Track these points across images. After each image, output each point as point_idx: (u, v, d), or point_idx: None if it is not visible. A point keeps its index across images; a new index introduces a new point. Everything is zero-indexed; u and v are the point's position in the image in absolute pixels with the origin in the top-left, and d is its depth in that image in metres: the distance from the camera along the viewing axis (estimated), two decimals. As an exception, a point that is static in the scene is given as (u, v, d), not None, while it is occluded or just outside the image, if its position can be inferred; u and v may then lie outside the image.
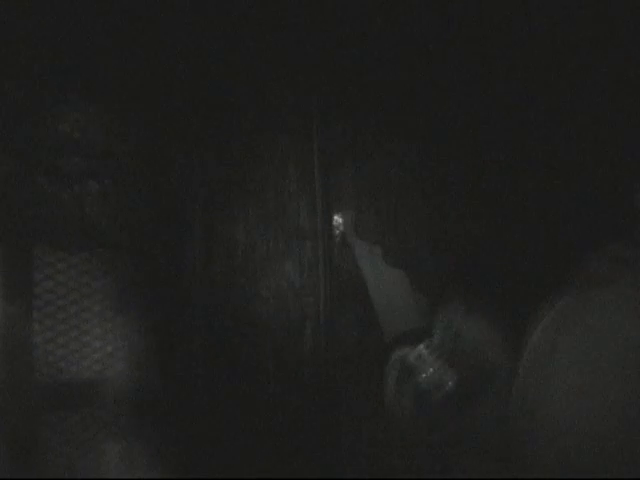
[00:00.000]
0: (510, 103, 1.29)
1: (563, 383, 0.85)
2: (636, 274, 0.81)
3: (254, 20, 1.25)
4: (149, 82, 1.18)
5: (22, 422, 1.06)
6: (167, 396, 1.15)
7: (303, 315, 1.25)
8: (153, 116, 1.18)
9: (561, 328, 0.90)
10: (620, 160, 1.17)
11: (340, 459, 1.29)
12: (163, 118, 1.19)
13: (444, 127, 1.30)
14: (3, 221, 1.06)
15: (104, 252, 1.13)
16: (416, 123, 1.31)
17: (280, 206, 1.26)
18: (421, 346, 1.10)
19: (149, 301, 1.17)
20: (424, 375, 1.05)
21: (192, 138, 1.22)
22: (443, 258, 1.28)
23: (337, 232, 1.27)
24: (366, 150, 1.29)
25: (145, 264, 1.17)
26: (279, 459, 1.21)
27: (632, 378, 0.79)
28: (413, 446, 1.24)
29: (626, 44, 1.18)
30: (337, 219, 1.27)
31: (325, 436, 1.28)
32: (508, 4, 1.25)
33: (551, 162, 1.25)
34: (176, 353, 1.18)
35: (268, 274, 1.26)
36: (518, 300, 1.06)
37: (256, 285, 1.25)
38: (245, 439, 1.20)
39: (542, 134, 1.28)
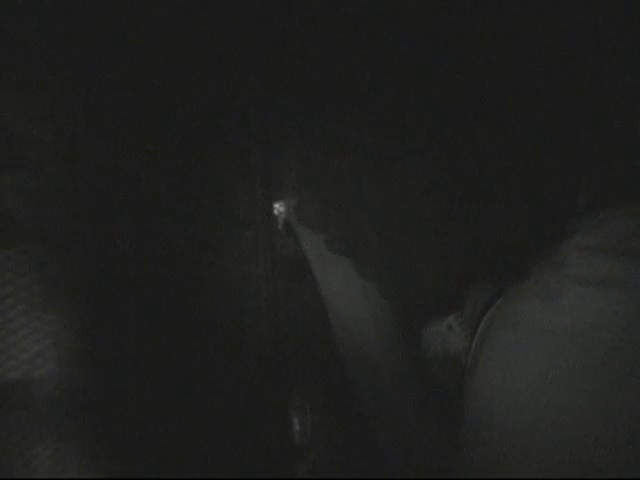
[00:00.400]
0: (470, 89, 1.23)
1: (486, 382, 0.83)
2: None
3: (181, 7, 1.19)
4: (75, 67, 1.12)
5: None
6: (101, 396, 1.11)
7: (241, 308, 1.20)
8: (78, 104, 1.12)
9: (494, 320, 0.87)
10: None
11: (289, 458, 1.25)
12: (91, 106, 1.13)
13: (398, 110, 1.25)
14: None
15: (29, 248, 1.08)
16: (366, 105, 1.25)
17: (218, 195, 1.20)
18: (451, 317, 1.11)
19: (80, 298, 1.12)
20: (453, 342, 1.08)
21: (121, 126, 1.16)
22: (395, 245, 1.23)
23: (279, 221, 1.22)
24: (311, 135, 1.23)
25: (74, 259, 1.11)
26: (222, 460, 1.17)
27: (565, 374, 0.75)
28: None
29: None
30: (279, 207, 1.22)
31: (273, 436, 1.24)
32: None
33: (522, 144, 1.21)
34: (110, 352, 1.13)
35: (206, 265, 1.21)
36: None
37: (193, 277, 1.20)
38: (186, 439, 1.16)
39: (507, 121, 1.23)
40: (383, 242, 1.21)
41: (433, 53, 1.22)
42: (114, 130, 1.12)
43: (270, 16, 1.21)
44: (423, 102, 1.22)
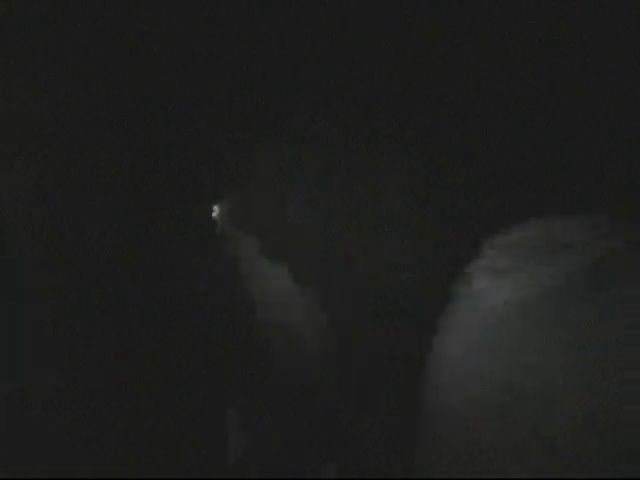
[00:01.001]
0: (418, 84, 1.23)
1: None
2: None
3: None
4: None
5: None
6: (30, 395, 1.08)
7: (187, 310, 1.18)
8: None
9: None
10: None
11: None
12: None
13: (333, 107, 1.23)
14: None
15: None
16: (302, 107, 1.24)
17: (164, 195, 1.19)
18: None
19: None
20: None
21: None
22: (324, 250, 1.21)
23: (218, 224, 1.21)
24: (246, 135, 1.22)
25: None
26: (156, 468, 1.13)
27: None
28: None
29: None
30: (216, 210, 1.21)
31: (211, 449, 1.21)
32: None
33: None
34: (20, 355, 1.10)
35: (155, 267, 1.19)
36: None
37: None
38: (120, 441, 1.12)
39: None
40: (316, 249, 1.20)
41: (407, 54, 1.21)
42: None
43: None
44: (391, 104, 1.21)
